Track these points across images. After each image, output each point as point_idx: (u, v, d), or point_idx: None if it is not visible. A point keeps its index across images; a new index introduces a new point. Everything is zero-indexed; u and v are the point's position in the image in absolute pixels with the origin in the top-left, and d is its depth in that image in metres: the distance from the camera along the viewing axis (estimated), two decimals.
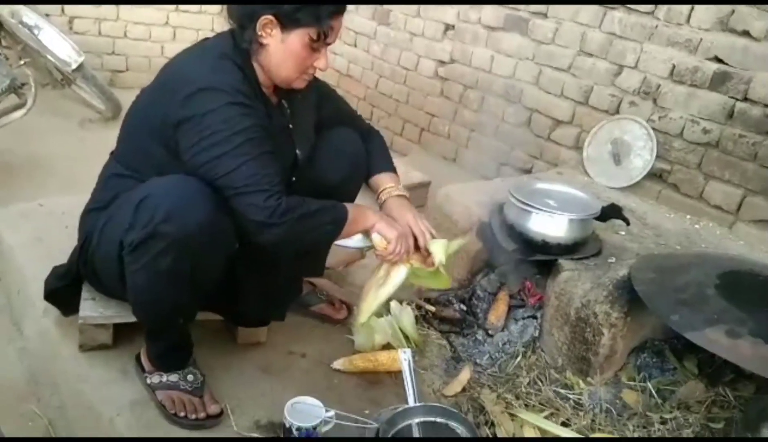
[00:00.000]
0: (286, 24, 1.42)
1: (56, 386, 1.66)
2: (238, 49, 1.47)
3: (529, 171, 3.11)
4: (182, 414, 1.47)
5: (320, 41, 1.45)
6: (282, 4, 1.41)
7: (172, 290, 1.38)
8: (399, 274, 1.66)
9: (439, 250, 1.69)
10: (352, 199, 1.84)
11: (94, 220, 1.51)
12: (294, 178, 1.66)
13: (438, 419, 1.44)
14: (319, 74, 1.61)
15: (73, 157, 3.11)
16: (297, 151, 1.65)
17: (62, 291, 1.66)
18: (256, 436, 1.48)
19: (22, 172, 2.90)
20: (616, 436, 1.56)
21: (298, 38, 1.43)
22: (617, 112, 2.74)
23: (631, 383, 1.80)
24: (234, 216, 1.38)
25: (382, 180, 1.80)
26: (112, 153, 1.61)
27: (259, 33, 1.43)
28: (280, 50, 1.45)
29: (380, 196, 1.77)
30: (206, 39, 1.57)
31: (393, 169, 1.84)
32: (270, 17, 1.41)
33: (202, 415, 1.48)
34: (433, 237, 1.71)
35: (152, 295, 1.41)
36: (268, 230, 1.37)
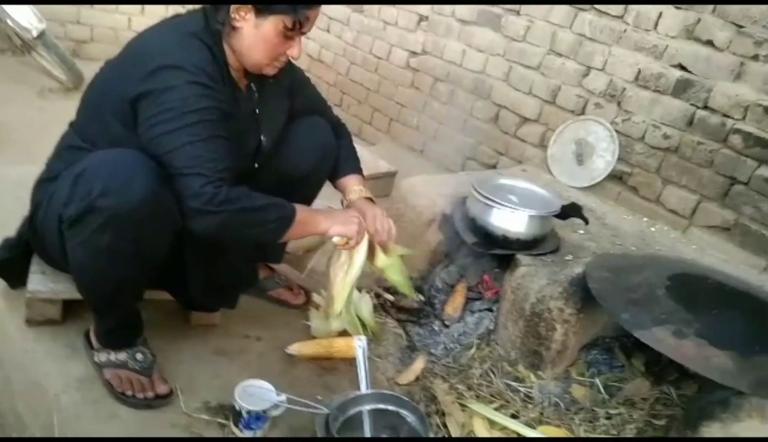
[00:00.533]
0: (262, 9, 1.39)
1: (1, 360, 1.61)
2: (209, 29, 1.43)
3: (494, 166, 3.14)
4: (129, 393, 1.45)
5: (295, 30, 1.42)
6: None
7: (114, 267, 1.34)
8: (360, 254, 1.64)
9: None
10: (317, 190, 1.84)
11: (44, 190, 1.47)
12: (257, 166, 1.64)
13: (389, 407, 1.45)
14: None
15: (30, 127, 3.01)
16: (261, 138, 1.62)
17: (11, 263, 1.62)
18: (205, 417, 1.47)
19: None
20: (564, 428, 1.60)
21: (272, 25, 1.40)
22: (583, 112, 2.78)
23: (581, 378, 1.84)
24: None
25: (350, 182, 1.78)
26: (70, 123, 1.56)
27: (233, 15, 1.40)
28: (253, 35, 1.42)
29: (348, 197, 1.76)
30: (177, 15, 1.53)
31: (360, 171, 1.83)
32: (247, 5, 1.38)
33: (150, 395, 1.45)
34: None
35: (93, 272, 1.37)
36: (200, 217, 1.33)
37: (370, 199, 1.76)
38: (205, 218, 1.33)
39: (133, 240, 1.30)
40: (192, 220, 1.33)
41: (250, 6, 1.38)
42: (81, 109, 1.53)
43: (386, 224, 1.70)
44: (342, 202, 1.80)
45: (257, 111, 1.60)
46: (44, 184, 1.50)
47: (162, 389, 1.47)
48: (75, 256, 1.36)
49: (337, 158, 1.80)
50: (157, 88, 1.32)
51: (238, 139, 1.49)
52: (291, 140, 1.72)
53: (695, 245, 2.29)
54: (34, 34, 3.23)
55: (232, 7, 1.39)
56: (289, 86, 1.70)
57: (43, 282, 1.58)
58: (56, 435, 1.37)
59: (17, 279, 1.62)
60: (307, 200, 1.83)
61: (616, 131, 2.64)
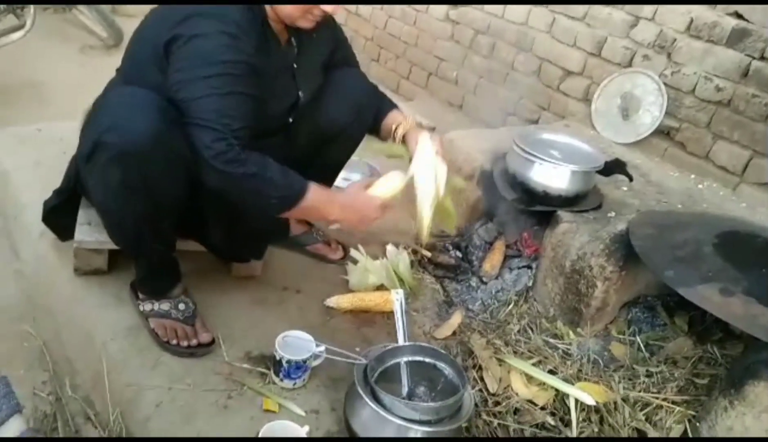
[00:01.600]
0: None
1: (51, 309, 1.68)
2: None
3: (535, 122, 3.07)
4: (174, 342, 1.49)
5: None
6: None
7: (127, 205, 1.36)
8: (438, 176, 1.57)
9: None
10: (355, 145, 1.81)
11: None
12: (292, 120, 1.62)
13: (426, 359, 1.46)
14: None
15: (72, 84, 3.06)
16: (299, 93, 1.60)
17: (59, 211, 1.66)
18: (246, 366, 1.50)
19: (20, 96, 2.86)
20: (603, 385, 1.58)
21: None
22: (630, 65, 2.67)
23: (621, 336, 1.82)
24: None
25: (395, 117, 1.71)
26: (117, 70, 1.57)
27: None
28: None
29: (398, 131, 1.67)
30: None
31: (395, 106, 1.78)
32: None
33: (194, 342, 1.50)
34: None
35: (111, 210, 1.41)
36: (206, 171, 1.31)
37: (421, 126, 1.69)
38: (209, 173, 1.31)
39: (141, 177, 1.30)
40: (200, 171, 1.32)
41: None
42: (125, 56, 1.53)
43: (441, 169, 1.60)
44: (394, 139, 1.69)
45: (295, 65, 1.58)
46: (86, 128, 1.52)
47: (204, 337, 1.51)
48: (94, 193, 1.41)
49: (349, 150, 1.80)
50: (186, 34, 1.31)
51: (271, 95, 1.47)
52: (327, 94, 1.68)
53: (745, 203, 2.21)
54: None
55: None
56: (332, 44, 1.68)
57: (90, 232, 1.62)
58: (105, 382, 1.42)
59: (66, 231, 1.67)
60: (346, 154, 1.83)
61: (665, 84, 2.53)
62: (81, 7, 3.46)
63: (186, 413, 1.36)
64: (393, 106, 1.77)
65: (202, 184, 1.35)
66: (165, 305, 1.52)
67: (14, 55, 2.89)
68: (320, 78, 1.68)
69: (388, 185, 1.58)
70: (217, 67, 1.30)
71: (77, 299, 1.61)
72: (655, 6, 2.55)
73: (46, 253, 1.74)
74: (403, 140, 1.67)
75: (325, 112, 1.67)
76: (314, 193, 1.42)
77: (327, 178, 1.87)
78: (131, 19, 4.00)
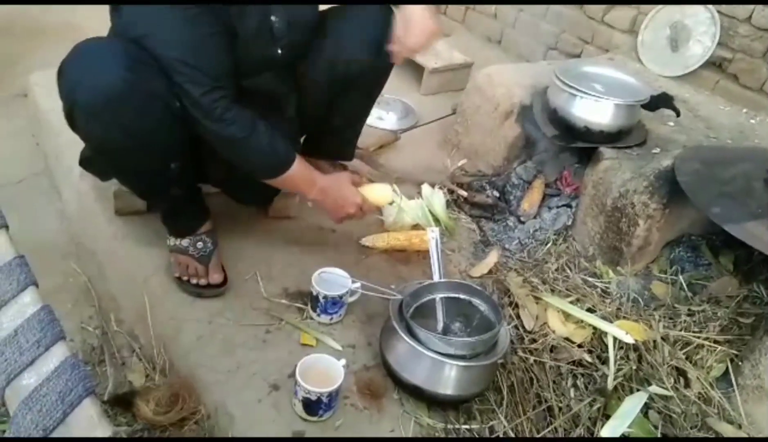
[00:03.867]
0: None
1: (94, 247, 1.72)
2: None
3: (578, 56, 2.94)
4: (185, 278, 1.52)
5: None
6: None
7: (123, 157, 1.33)
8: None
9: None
10: (378, 91, 1.71)
11: None
12: (280, 52, 1.44)
13: (461, 296, 1.46)
14: None
15: (108, 24, 3.05)
16: (272, 18, 1.38)
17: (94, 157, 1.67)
18: (284, 302, 1.53)
19: (59, 36, 2.86)
20: (642, 324, 1.56)
21: None
22: None
23: (663, 275, 1.77)
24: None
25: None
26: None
27: None
28: None
29: None
30: None
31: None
32: None
33: (203, 282, 1.51)
34: None
35: (112, 165, 1.41)
36: (198, 125, 1.29)
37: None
38: (202, 127, 1.29)
39: (120, 129, 1.24)
40: (191, 123, 1.29)
41: None
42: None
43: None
44: None
45: (273, 11, 1.38)
46: None
47: (215, 277, 1.52)
48: (89, 147, 1.40)
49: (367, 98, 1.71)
50: None
51: (235, 22, 1.33)
52: (336, 28, 1.52)
53: None
54: None
55: None
56: None
57: None
58: (148, 316, 1.47)
59: (106, 172, 1.68)
60: (367, 102, 1.75)
61: (718, 12, 2.38)
62: None
63: (226, 346, 1.40)
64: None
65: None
66: (185, 242, 1.53)
67: None
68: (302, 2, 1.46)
69: (375, 194, 1.62)
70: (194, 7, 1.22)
71: (118, 237, 1.65)
72: None
73: (87, 192, 1.77)
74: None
75: (335, 51, 1.51)
76: (298, 169, 1.41)
77: (348, 135, 1.83)
78: None
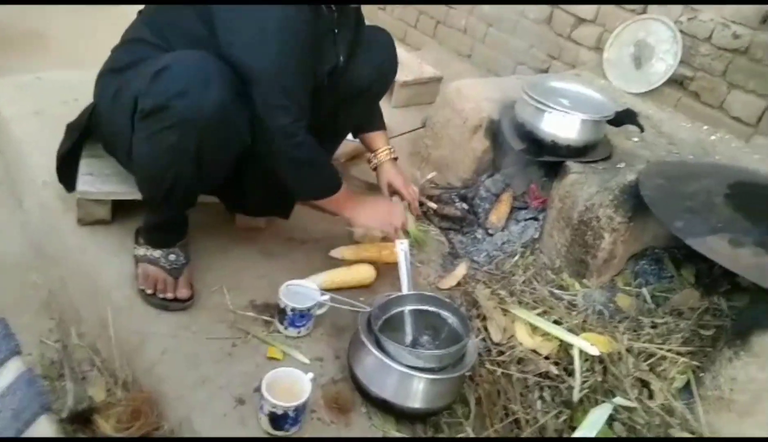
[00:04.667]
0: None
1: (56, 258, 1.68)
2: None
3: (545, 71, 2.99)
4: (150, 292, 1.48)
5: None
6: None
7: (173, 167, 1.35)
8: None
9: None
10: (377, 101, 1.83)
11: (109, 81, 1.47)
12: (326, 83, 1.59)
13: (430, 308, 1.46)
14: None
15: (74, 32, 3.00)
16: (340, 57, 1.57)
17: (67, 161, 1.64)
18: (251, 314, 1.51)
19: (21, 44, 2.81)
20: (607, 336, 1.58)
21: None
22: (644, 12, 2.58)
23: (627, 288, 1.80)
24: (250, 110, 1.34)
25: (375, 141, 1.84)
26: (140, 13, 1.53)
27: None
28: None
29: (376, 157, 1.83)
30: None
31: (384, 127, 1.87)
32: None
33: (169, 295, 1.48)
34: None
35: (153, 167, 1.37)
36: (274, 150, 1.39)
37: (395, 159, 1.84)
38: (277, 153, 1.40)
39: (197, 145, 1.30)
40: (265, 149, 1.39)
41: None
42: (155, 4, 1.49)
43: (412, 194, 1.84)
44: (369, 161, 1.86)
45: (336, 30, 1.54)
46: (108, 74, 1.50)
47: (183, 292, 1.49)
48: (140, 148, 1.37)
49: (366, 112, 1.81)
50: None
51: (317, 60, 1.48)
52: (354, 54, 1.66)
53: (759, 155, 2.15)
54: None
55: None
56: (356, 18, 1.65)
57: (92, 183, 1.61)
58: (111, 329, 1.43)
59: (72, 181, 1.65)
60: (367, 112, 1.83)
61: (680, 31, 2.45)
62: None
63: (191, 360, 1.37)
64: (381, 125, 1.86)
65: (257, 156, 1.42)
66: (157, 253, 1.50)
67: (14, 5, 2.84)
68: (354, 39, 1.64)
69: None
70: (287, 34, 1.31)
71: (82, 248, 1.61)
72: None
73: (50, 202, 1.73)
74: (375, 170, 1.84)
75: (349, 71, 1.65)
76: (344, 192, 1.55)
77: (327, 147, 1.84)
78: None
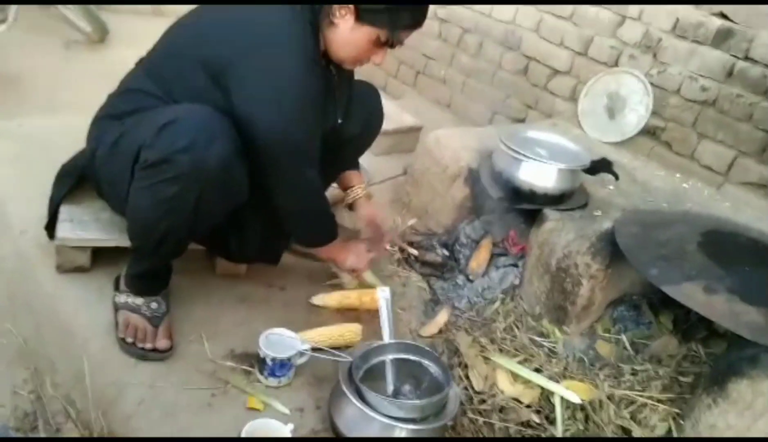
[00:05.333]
0: (364, 18, 1.42)
1: (32, 306, 1.64)
2: (312, 8, 1.45)
3: (522, 121, 3.07)
4: (130, 340, 1.46)
5: (386, 44, 1.46)
6: (365, 2, 1.41)
7: (169, 218, 1.36)
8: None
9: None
10: (362, 152, 1.94)
11: (105, 127, 1.48)
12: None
13: (411, 357, 1.46)
14: None
15: (56, 79, 3.01)
16: (339, 119, 1.68)
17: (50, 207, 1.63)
18: (230, 364, 1.49)
19: (1, 90, 2.82)
20: (588, 383, 1.59)
21: (366, 34, 1.44)
22: (616, 64, 2.69)
23: (606, 334, 1.82)
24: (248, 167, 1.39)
25: (351, 178, 1.92)
26: (140, 63, 1.55)
27: (334, 11, 1.43)
28: (347, 36, 1.45)
29: (353, 192, 1.90)
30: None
31: (358, 165, 1.96)
32: (350, 6, 1.41)
33: (148, 346, 1.46)
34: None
35: (149, 217, 1.38)
36: (287, 195, 1.48)
37: (368, 196, 1.92)
38: (285, 196, 1.48)
39: (197, 198, 1.33)
40: (279, 190, 1.46)
41: (352, 7, 1.41)
42: (159, 54, 1.51)
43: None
44: (346, 199, 1.93)
45: (336, 93, 1.64)
46: (105, 120, 1.51)
47: (162, 343, 1.47)
48: (138, 197, 1.37)
49: (354, 159, 1.92)
50: (261, 67, 1.36)
51: (322, 119, 1.57)
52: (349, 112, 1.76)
53: (729, 202, 2.22)
54: None
55: (336, 6, 1.42)
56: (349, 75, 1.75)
57: (72, 230, 1.60)
58: (87, 380, 1.40)
59: (51, 227, 1.63)
60: (354, 157, 1.93)
61: (651, 84, 2.54)
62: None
63: (169, 411, 1.35)
64: (356, 164, 1.95)
65: (255, 207, 1.49)
66: (139, 300, 1.49)
67: None
68: (348, 97, 1.74)
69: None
70: (299, 90, 1.38)
71: (59, 296, 1.59)
72: (642, 5, 2.56)
73: (27, 249, 1.71)
74: (351, 206, 1.92)
75: (341, 126, 1.74)
76: (339, 244, 1.67)
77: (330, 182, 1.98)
78: (117, 15, 3.97)
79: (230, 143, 1.32)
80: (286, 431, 1.24)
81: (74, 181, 1.61)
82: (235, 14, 1.43)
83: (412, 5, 1.44)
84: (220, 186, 1.34)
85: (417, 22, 1.47)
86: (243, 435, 1.20)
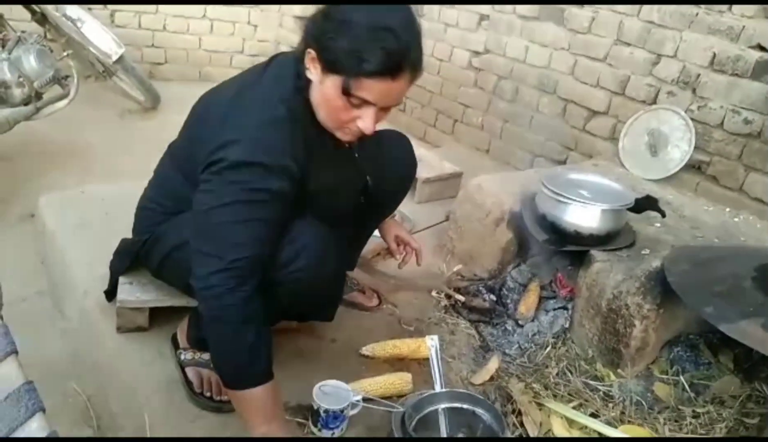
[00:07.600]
0: (326, 64, 1.25)
1: (95, 366, 1.72)
2: (299, 79, 1.33)
3: (563, 162, 3.08)
4: (208, 394, 1.50)
5: (352, 96, 1.25)
6: (323, 40, 1.24)
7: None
8: None
9: None
10: (396, 206, 1.94)
11: (159, 220, 1.56)
12: (363, 200, 1.69)
13: (464, 405, 1.45)
14: None
15: (113, 147, 3.20)
16: (368, 178, 1.65)
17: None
18: (286, 417, 1.51)
19: (65, 161, 2.99)
20: (647, 427, 1.54)
21: (332, 84, 1.25)
22: (654, 102, 2.68)
23: (664, 376, 1.77)
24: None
25: (390, 226, 1.93)
26: (170, 145, 1.61)
27: (306, 64, 1.30)
28: (319, 90, 1.30)
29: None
30: (268, 64, 1.42)
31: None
32: (313, 52, 1.26)
33: (224, 397, 1.49)
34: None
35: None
36: (200, 299, 1.29)
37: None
38: (198, 299, 1.30)
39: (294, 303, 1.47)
40: (198, 293, 1.29)
41: (318, 58, 1.26)
42: (183, 145, 1.54)
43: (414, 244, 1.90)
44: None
45: (356, 154, 1.58)
46: (154, 213, 1.58)
47: None
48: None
49: (391, 210, 1.93)
50: (221, 159, 1.26)
51: (339, 184, 1.52)
52: (378, 163, 1.70)
53: None
54: (114, 58, 3.42)
55: (307, 55, 1.28)
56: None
57: (131, 292, 1.67)
58: (148, 434, 1.45)
59: (112, 292, 1.72)
60: (388, 212, 1.93)
61: (692, 119, 2.53)
62: (120, 73, 3.64)
63: None
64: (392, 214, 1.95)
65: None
66: (206, 356, 1.54)
67: (59, 122, 3.04)
68: (376, 151, 1.66)
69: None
70: (242, 194, 1.26)
71: (120, 355, 1.66)
72: (677, 43, 2.57)
73: (90, 310, 1.79)
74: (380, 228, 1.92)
75: (379, 180, 1.71)
76: (261, 395, 1.29)
77: (355, 245, 1.96)
78: (168, 83, 4.21)
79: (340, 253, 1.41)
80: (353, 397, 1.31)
81: (132, 258, 1.67)
82: (212, 117, 1.38)
83: (379, 43, 1.20)
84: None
85: (387, 69, 1.22)
86: (314, 393, 1.34)
